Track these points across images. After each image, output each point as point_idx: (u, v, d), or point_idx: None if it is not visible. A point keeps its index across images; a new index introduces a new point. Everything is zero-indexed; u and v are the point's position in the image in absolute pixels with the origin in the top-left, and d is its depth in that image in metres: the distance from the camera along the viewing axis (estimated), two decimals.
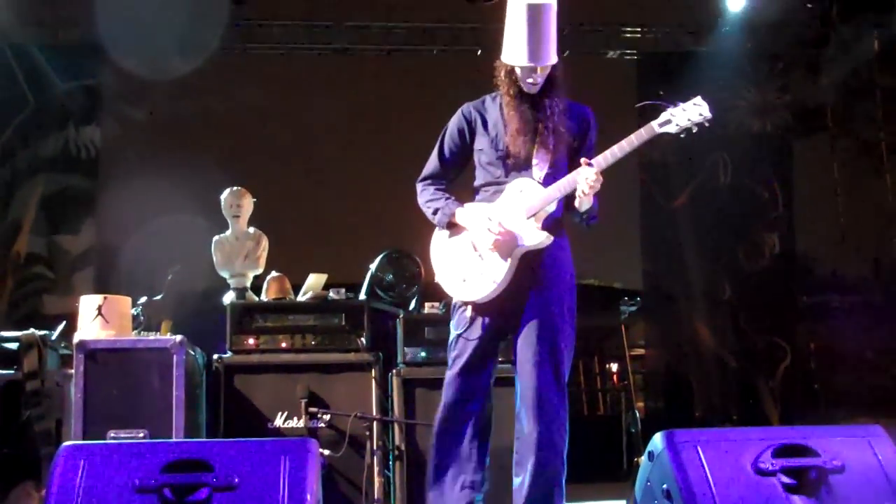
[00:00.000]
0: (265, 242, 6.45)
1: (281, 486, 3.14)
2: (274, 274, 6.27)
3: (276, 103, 9.94)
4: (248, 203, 6.48)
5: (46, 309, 8.98)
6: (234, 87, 9.75)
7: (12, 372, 5.42)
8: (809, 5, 9.85)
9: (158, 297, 5.90)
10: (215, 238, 6.45)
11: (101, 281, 9.00)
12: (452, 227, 4.16)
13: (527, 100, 4.10)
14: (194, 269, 6.59)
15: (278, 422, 5.50)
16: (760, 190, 10.07)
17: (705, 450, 3.37)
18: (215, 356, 5.61)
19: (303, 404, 5.44)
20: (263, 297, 6.13)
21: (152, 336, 5.46)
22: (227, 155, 9.40)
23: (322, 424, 5.47)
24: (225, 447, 3.26)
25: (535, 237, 4.03)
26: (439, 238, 4.24)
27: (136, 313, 5.65)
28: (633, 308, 7.28)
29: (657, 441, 3.51)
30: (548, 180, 4.06)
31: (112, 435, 4.96)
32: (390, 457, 5.46)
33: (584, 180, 3.94)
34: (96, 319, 5.28)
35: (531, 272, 4.05)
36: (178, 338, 5.21)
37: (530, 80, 4.07)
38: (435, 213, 4.19)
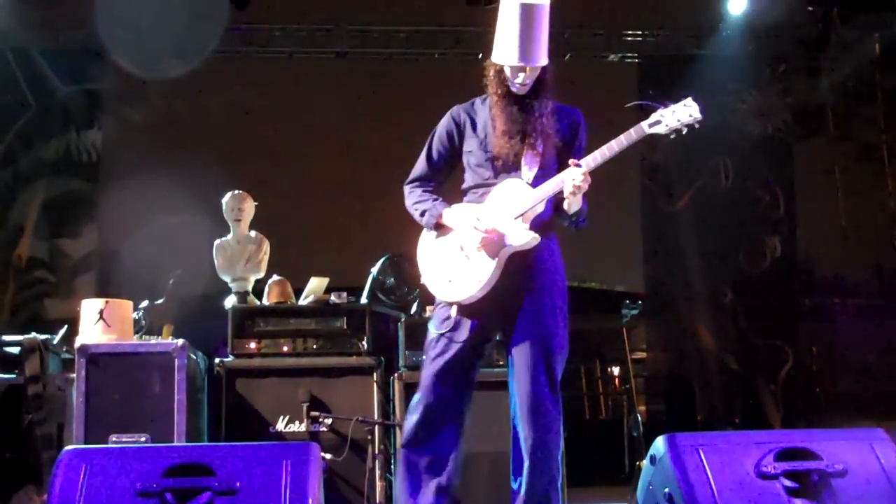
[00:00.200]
0: (267, 246, 6.45)
1: (282, 490, 3.14)
2: (275, 278, 6.27)
3: (277, 107, 9.95)
4: (250, 207, 6.48)
5: (48, 313, 8.97)
6: (235, 90, 9.76)
7: (14, 376, 5.43)
8: (810, 8, 9.84)
9: (160, 301, 5.91)
10: (217, 242, 6.45)
11: (103, 285, 9.00)
12: (440, 228, 4.15)
13: (516, 101, 4.09)
14: (196, 273, 6.60)
15: (280, 426, 5.51)
16: (762, 193, 10.05)
17: (707, 453, 3.37)
18: (217, 360, 5.61)
19: (304, 408, 5.45)
20: (265, 301, 6.13)
21: (154, 340, 5.46)
22: (229, 158, 9.40)
23: (324, 428, 5.48)
24: (226, 451, 3.26)
25: (523, 237, 4.00)
26: (426, 239, 4.22)
27: (137, 317, 5.66)
28: (635, 311, 7.28)
29: (659, 445, 3.52)
30: (537, 182, 4.05)
31: (114, 439, 4.96)
32: (392, 461, 5.45)
33: (571, 181, 3.93)
34: (98, 323, 5.29)
35: (521, 276, 4.03)
36: (180, 342, 5.21)
37: (519, 81, 4.05)
38: (422, 214, 4.17)
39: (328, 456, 5.22)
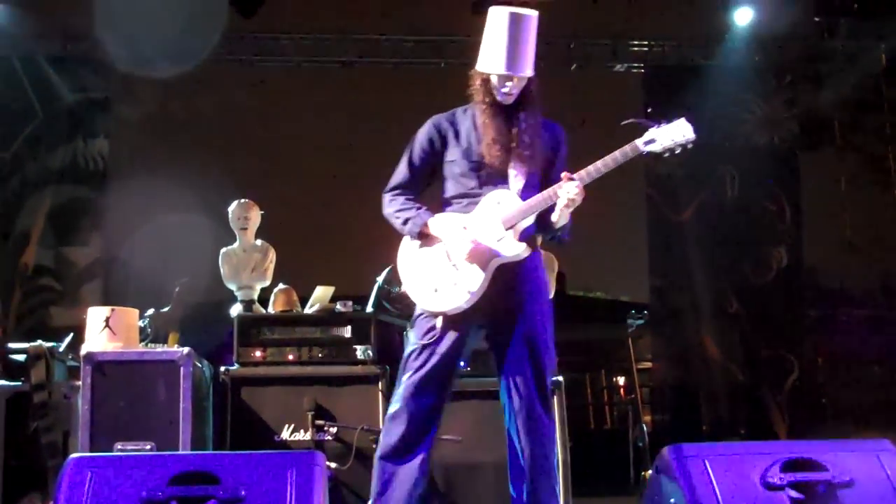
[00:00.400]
0: (272, 255, 6.46)
1: (287, 498, 3.14)
2: (281, 286, 6.28)
3: (284, 116, 9.98)
4: (256, 215, 6.48)
5: (54, 321, 8.99)
6: (241, 100, 9.79)
7: (20, 383, 5.42)
8: (817, 19, 9.85)
9: (166, 310, 5.90)
10: (223, 250, 6.46)
11: (109, 293, 9.02)
12: (423, 236, 4.10)
13: (501, 111, 4.07)
14: (202, 281, 6.60)
15: (285, 434, 5.50)
16: (768, 203, 10.05)
17: (713, 464, 3.37)
18: (222, 368, 5.61)
19: (309, 417, 5.44)
20: (270, 310, 6.13)
21: (159, 348, 5.46)
22: (235, 167, 9.43)
23: (329, 437, 5.46)
24: (232, 460, 3.26)
25: (513, 248, 3.99)
26: (409, 247, 4.17)
27: (143, 325, 5.66)
28: (641, 321, 7.27)
29: (665, 455, 3.51)
30: (523, 193, 4.03)
31: (119, 447, 4.96)
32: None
33: (566, 194, 3.92)
34: (104, 331, 5.29)
35: (510, 290, 4.02)
36: (186, 350, 5.21)
37: (505, 90, 4.03)
38: (405, 222, 4.11)
39: (333, 465, 5.21)
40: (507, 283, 4.01)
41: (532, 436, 3.96)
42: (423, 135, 4.22)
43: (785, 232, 10.05)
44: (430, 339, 4.02)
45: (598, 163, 3.97)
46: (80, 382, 5.14)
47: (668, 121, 4.01)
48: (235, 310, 6.13)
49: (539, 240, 4.15)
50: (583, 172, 3.97)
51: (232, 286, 6.39)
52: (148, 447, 4.98)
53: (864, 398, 9.49)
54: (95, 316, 5.35)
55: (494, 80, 4.05)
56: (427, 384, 4.01)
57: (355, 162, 9.84)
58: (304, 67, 9.94)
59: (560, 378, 5.85)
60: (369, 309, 5.98)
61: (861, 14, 9.57)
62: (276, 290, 6.21)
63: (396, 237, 4.23)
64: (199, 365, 5.45)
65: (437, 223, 4.08)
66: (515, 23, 4.01)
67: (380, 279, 6.14)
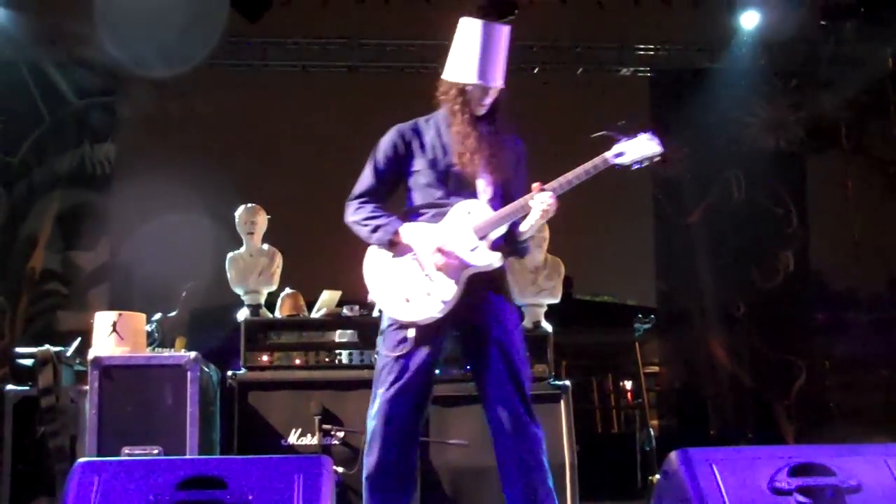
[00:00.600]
0: (279, 259, 6.46)
1: (295, 503, 3.14)
2: (288, 291, 6.28)
3: (291, 120, 9.99)
4: (263, 220, 6.49)
5: (61, 325, 9.00)
6: (249, 105, 9.80)
7: (27, 388, 5.45)
8: (823, 22, 9.84)
9: (173, 314, 5.92)
10: (229, 255, 6.47)
11: (116, 297, 9.03)
12: (392, 245, 4.08)
13: (473, 121, 4.08)
14: (208, 285, 6.61)
15: (292, 439, 5.51)
16: (774, 207, 10.04)
17: (721, 468, 3.36)
18: (229, 373, 5.62)
19: (317, 421, 5.45)
20: (277, 314, 6.14)
21: (167, 353, 5.47)
22: (242, 172, 9.44)
23: (336, 441, 5.48)
24: (239, 464, 3.26)
25: (487, 258, 4.00)
26: (376, 256, 4.16)
27: (150, 330, 5.67)
28: (648, 325, 7.26)
29: (672, 459, 3.50)
30: (492, 204, 4.05)
31: (126, 451, 4.97)
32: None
33: (541, 204, 3.94)
34: (111, 336, 5.30)
35: (482, 300, 4.02)
36: (193, 354, 5.22)
37: (486, 101, 4.07)
38: (375, 230, 4.09)
39: (340, 469, 5.22)
40: (479, 292, 4.01)
41: (527, 451, 3.94)
42: (387, 143, 4.22)
43: (792, 235, 10.03)
44: (402, 350, 3.99)
45: (570, 174, 4.00)
46: (87, 387, 5.15)
47: (636, 135, 4.03)
48: (242, 314, 6.14)
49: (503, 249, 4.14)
50: (554, 183, 3.99)
51: (239, 290, 6.40)
52: (155, 451, 4.99)
53: (872, 402, 9.47)
54: (103, 320, 5.37)
55: (473, 91, 4.06)
56: (404, 397, 3.98)
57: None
58: (310, 72, 9.95)
59: (567, 382, 5.88)
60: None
61: (867, 17, 9.55)
62: (282, 294, 6.22)
63: None
64: (206, 369, 5.46)
65: (409, 232, 4.06)
66: (494, 34, 4.05)
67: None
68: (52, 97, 9.37)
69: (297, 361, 5.71)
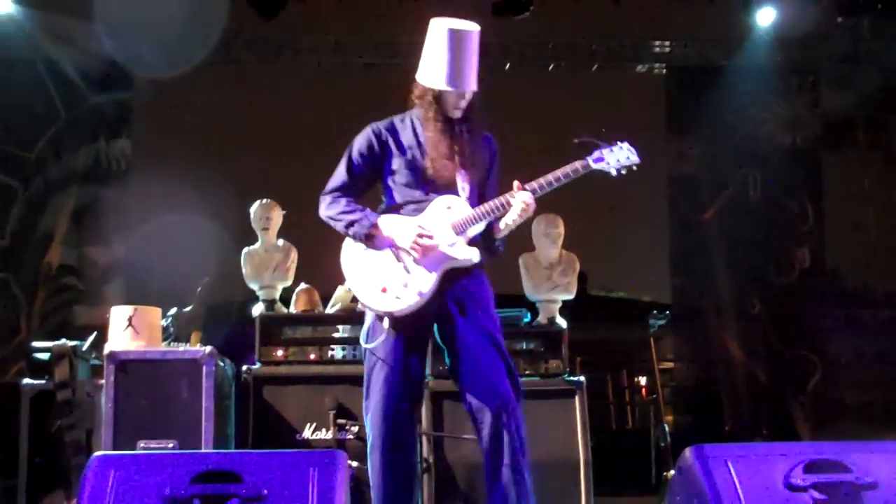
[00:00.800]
0: (294, 254, 6.48)
1: (310, 497, 3.15)
2: (303, 286, 6.30)
3: (305, 116, 9.99)
4: (278, 215, 6.51)
5: (77, 320, 9.03)
6: (264, 100, 9.80)
7: (44, 382, 5.47)
8: (840, 19, 9.78)
9: (188, 309, 5.93)
10: (245, 250, 6.48)
11: (132, 292, 9.04)
12: (369, 238, 4.10)
13: (448, 124, 4.11)
14: (224, 280, 6.63)
15: (307, 433, 5.52)
16: (790, 204, 10.00)
17: (736, 465, 3.35)
18: (244, 367, 5.63)
19: (331, 416, 5.45)
20: (292, 309, 6.16)
21: (182, 347, 5.49)
22: (258, 167, 9.45)
23: (350, 436, 5.48)
24: (254, 458, 3.27)
25: (465, 252, 4.04)
26: (353, 247, 4.18)
27: (165, 324, 5.68)
28: (663, 321, 7.25)
29: (687, 455, 3.50)
30: (470, 202, 4.09)
31: (142, 445, 4.99)
32: (418, 469, 5.45)
33: (520, 204, 3.99)
34: (126, 330, 5.32)
35: (462, 294, 4.06)
36: (208, 349, 5.24)
37: (461, 106, 4.10)
38: (351, 224, 4.11)
39: (355, 464, 5.22)
40: (456, 284, 4.05)
41: (507, 423, 3.95)
42: (362, 141, 4.25)
43: (807, 232, 9.99)
44: (376, 341, 4.06)
45: (549, 176, 4.04)
46: (103, 381, 5.18)
47: (616, 143, 4.06)
48: (257, 309, 6.16)
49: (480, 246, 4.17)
50: (534, 184, 4.03)
51: (254, 286, 6.42)
52: (170, 446, 5.00)
53: (887, 399, 9.43)
54: (118, 315, 5.38)
55: (447, 95, 4.08)
56: (397, 394, 4.05)
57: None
58: (324, 68, 9.96)
59: (582, 378, 5.87)
60: None
61: (884, 13, 9.49)
62: (297, 289, 6.23)
63: None
64: (222, 364, 5.47)
65: (387, 223, 4.09)
66: (465, 38, 4.06)
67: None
68: (68, 93, 9.39)
69: (312, 356, 5.72)
